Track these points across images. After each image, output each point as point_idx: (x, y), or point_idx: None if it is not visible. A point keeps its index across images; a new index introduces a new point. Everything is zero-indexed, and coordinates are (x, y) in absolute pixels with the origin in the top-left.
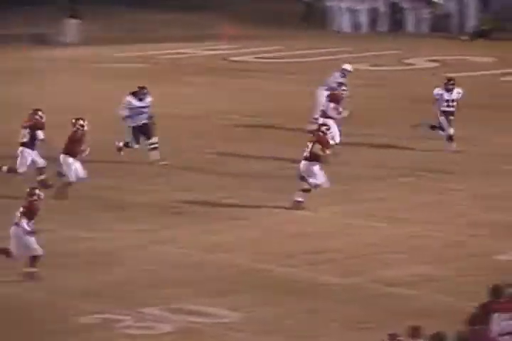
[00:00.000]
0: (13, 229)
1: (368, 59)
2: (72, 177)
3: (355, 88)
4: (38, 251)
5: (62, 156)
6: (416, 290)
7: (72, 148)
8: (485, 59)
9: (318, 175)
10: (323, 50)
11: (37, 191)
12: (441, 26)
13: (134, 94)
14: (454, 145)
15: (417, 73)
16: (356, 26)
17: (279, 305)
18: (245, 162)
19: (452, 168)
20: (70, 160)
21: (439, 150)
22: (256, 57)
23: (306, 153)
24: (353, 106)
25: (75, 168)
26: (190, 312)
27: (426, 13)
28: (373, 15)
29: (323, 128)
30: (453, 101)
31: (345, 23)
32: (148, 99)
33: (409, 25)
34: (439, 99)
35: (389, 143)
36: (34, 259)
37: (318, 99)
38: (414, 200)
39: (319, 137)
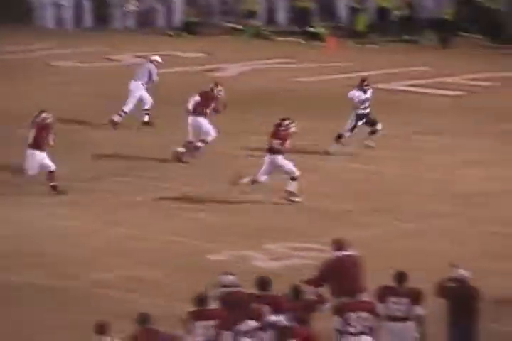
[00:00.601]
0: None
1: (74, 55)
2: (32, 171)
3: (62, 85)
4: None
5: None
6: (131, 293)
7: (39, 141)
8: (192, 54)
9: (286, 165)
10: (28, 47)
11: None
12: (148, 21)
13: None
14: (336, 146)
15: (124, 70)
16: (61, 22)
17: None
18: None
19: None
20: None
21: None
22: None
23: (266, 147)
24: (62, 105)
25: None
26: None
27: (132, 7)
28: (78, 11)
29: (286, 122)
30: (367, 101)
31: (49, 18)
32: None
33: (116, 20)
34: (355, 101)
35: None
36: None
37: (134, 93)
38: (127, 201)
39: (278, 131)
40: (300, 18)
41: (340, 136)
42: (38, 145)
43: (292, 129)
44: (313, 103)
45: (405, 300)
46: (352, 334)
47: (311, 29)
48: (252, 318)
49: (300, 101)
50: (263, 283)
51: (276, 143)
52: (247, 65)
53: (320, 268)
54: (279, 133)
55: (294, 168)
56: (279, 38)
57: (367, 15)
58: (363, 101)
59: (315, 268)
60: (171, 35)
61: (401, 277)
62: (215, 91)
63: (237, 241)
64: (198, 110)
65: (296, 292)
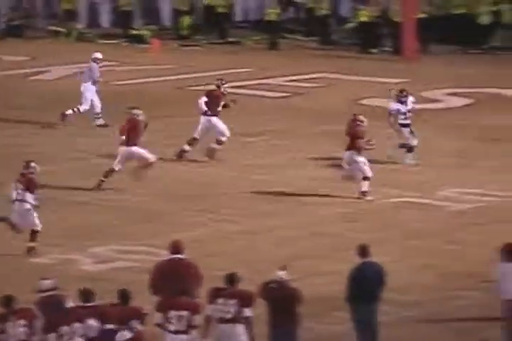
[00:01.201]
0: (17, 204)
1: None
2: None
3: None
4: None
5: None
6: None
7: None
8: (16, 57)
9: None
10: None
11: (32, 164)
12: None
13: None
14: (411, 157)
15: None
16: None
17: None
18: None
19: None
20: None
21: None
22: None
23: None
24: None
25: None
26: None
27: None
28: None
29: (360, 117)
30: (409, 112)
31: None
32: None
33: None
34: (395, 114)
35: None
36: (35, 234)
37: (85, 94)
38: None
39: (355, 131)
40: (123, 20)
41: (410, 148)
42: (132, 141)
43: (365, 124)
44: (136, 105)
45: (233, 302)
46: (170, 331)
47: (134, 31)
48: (75, 321)
49: (124, 103)
50: (86, 294)
51: (362, 142)
52: (71, 67)
53: (151, 271)
54: (358, 130)
55: (366, 168)
56: (102, 41)
57: (192, 17)
58: (404, 113)
59: (140, 270)
60: None
61: (232, 278)
62: (222, 89)
63: (62, 244)
64: (210, 110)
65: (125, 296)
